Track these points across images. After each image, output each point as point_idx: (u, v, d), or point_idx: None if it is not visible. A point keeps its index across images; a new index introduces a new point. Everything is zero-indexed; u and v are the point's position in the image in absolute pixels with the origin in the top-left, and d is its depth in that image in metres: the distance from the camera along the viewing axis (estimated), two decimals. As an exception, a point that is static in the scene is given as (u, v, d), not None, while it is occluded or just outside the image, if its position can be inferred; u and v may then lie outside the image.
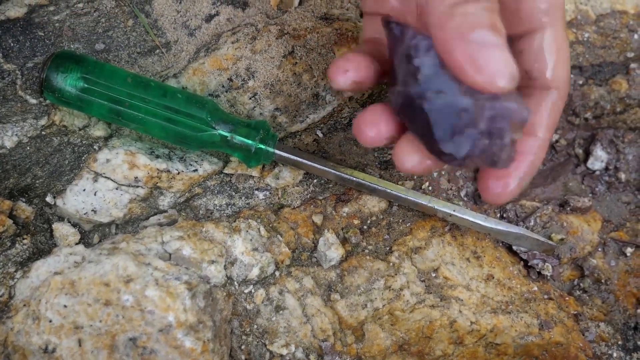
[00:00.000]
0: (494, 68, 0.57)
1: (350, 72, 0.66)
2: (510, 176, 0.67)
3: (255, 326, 0.75)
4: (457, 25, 0.58)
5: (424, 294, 0.78)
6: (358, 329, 0.76)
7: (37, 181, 0.78)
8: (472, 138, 0.60)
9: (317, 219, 0.80)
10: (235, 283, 0.75)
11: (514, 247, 0.83)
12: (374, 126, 0.66)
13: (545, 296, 0.82)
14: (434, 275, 0.79)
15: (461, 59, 0.58)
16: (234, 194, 0.80)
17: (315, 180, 0.82)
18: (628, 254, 0.86)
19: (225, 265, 0.74)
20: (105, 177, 0.77)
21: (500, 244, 0.83)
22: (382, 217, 0.81)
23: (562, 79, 0.69)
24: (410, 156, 0.65)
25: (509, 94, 0.60)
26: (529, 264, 0.83)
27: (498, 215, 0.85)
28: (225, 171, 0.81)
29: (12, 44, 0.78)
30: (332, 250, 0.78)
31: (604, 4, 0.91)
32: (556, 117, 0.69)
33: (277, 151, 0.78)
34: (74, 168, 0.78)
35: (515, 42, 0.69)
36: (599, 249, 0.86)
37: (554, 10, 0.68)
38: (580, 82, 0.89)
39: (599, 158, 0.89)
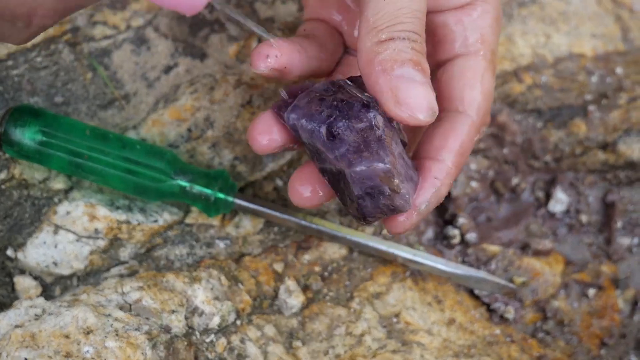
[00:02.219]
0: (415, 102, 0.61)
1: (270, 58, 0.69)
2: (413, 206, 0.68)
3: (218, 375, 0.77)
4: (382, 59, 0.62)
5: (386, 339, 0.81)
6: (320, 375, 0.79)
7: (-2, 235, 0.80)
8: (359, 202, 0.65)
9: (278, 267, 0.82)
10: (197, 332, 0.77)
11: (476, 291, 0.86)
12: (267, 134, 0.69)
13: (508, 339, 0.84)
14: (395, 320, 0.82)
15: (384, 92, 0.62)
16: (194, 243, 0.83)
17: (275, 229, 0.84)
18: (590, 296, 0.89)
19: (186, 315, 0.77)
20: (66, 229, 0.80)
21: (462, 288, 0.86)
22: (342, 263, 0.84)
23: (478, 107, 0.71)
24: (304, 187, 0.70)
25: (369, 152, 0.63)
26: (490, 308, 0.86)
27: (459, 259, 0.88)
28: (186, 221, 0.83)
29: (-29, 99, 0.81)
30: (292, 297, 0.80)
31: (562, 47, 0.94)
32: (466, 144, 0.71)
33: (236, 200, 0.80)
34: (35, 221, 0.80)
35: (439, 67, 0.73)
36: (562, 291, 0.88)
37: (481, 41, 0.72)
38: (539, 125, 0.92)
39: (560, 200, 0.92)
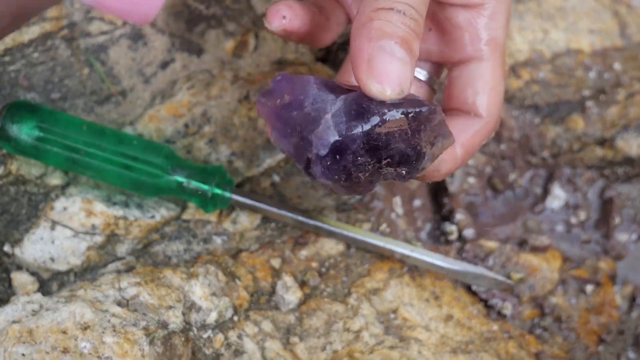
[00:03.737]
0: (386, 75, 0.61)
1: (285, 19, 0.71)
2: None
3: (215, 371, 0.78)
4: (372, 26, 0.62)
5: (383, 335, 0.82)
6: (318, 371, 0.80)
7: (-6, 231, 0.81)
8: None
9: (275, 263, 0.83)
10: (194, 328, 0.78)
11: (473, 287, 0.87)
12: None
13: (506, 335, 0.85)
14: (392, 316, 0.83)
15: (360, 58, 0.62)
16: (192, 239, 0.83)
17: (272, 224, 0.85)
18: (588, 292, 0.90)
19: (183, 311, 0.78)
20: (63, 225, 0.81)
21: (459, 284, 0.87)
22: (340, 259, 0.85)
23: (490, 111, 0.73)
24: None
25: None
26: (488, 304, 0.87)
27: (456, 256, 0.89)
28: (183, 217, 0.84)
29: (-33, 95, 0.82)
30: (290, 293, 0.81)
31: (560, 43, 0.95)
32: (476, 142, 0.72)
33: (233, 196, 0.81)
34: (31, 217, 0.81)
35: (452, 68, 0.74)
36: (559, 287, 0.89)
37: (494, 44, 0.73)
38: (537, 121, 0.93)
39: (558, 197, 0.93)
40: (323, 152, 0.62)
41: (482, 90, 0.73)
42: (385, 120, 0.61)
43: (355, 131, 0.61)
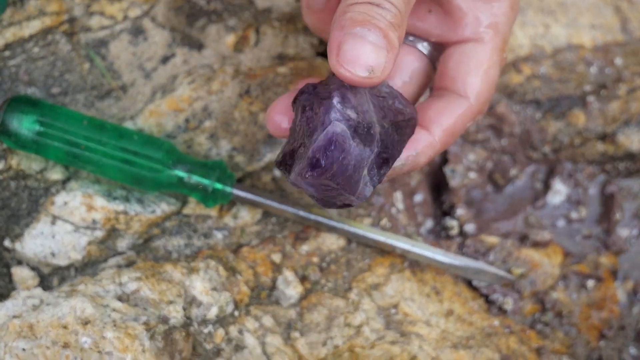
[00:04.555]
0: (355, 57, 0.61)
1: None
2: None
3: (216, 366, 0.78)
4: (345, 17, 0.62)
5: (384, 330, 0.82)
6: (318, 366, 0.80)
7: (-5, 225, 0.81)
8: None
9: (276, 258, 0.83)
10: (195, 323, 0.78)
11: (474, 282, 0.87)
12: (286, 116, 0.71)
13: (507, 330, 0.86)
14: (393, 311, 0.83)
15: (332, 47, 0.61)
16: (192, 234, 0.84)
17: (273, 219, 0.85)
18: (589, 287, 0.90)
19: (184, 306, 0.78)
20: (63, 220, 0.81)
21: (460, 279, 0.87)
22: (340, 254, 0.85)
23: (479, 94, 0.72)
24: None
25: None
26: (489, 299, 0.87)
27: (457, 251, 0.89)
28: (184, 212, 0.84)
29: (-32, 89, 0.82)
30: (291, 288, 0.82)
31: (560, 38, 0.95)
32: (458, 125, 0.72)
33: (234, 191, 0.82)
34: (32, 212, 0.81)
35: (450, 47, 0.74)
36: (560, 283, 0.89)
37: (494, 28, 0.72)
38: (538, 116, 0.93)
39: (559, 192, 0.93)
40: (358, 201, 0.65)
41: (474, 70, 0.72)
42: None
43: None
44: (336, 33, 0.62)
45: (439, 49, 0.76)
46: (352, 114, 0.62)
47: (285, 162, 0.65)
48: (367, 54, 0.61)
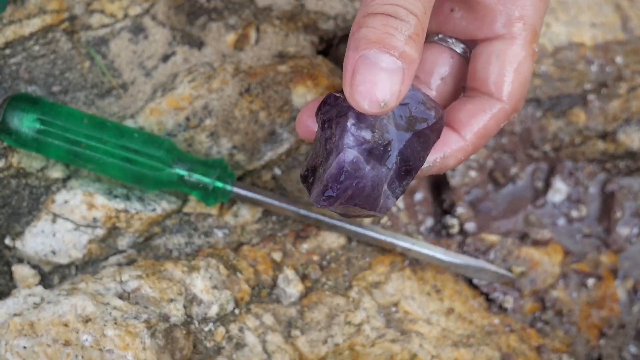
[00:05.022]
0: (366, 89, 0.58)
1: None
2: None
3: (216, 364, 0.78)
4: (360, 34, 0.59)
5: (384, 329, 0.82)
6: (319, 365, 0.80)
7: (-5, 224, 0.81)
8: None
9: (277, 256, 0.83)
10: (195, 321, 0.78)
11: (474, 281, 0.87)
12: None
13: (507, 329, 0.86)
14: (394, 309, 0.83)
15: (346, 72, 0.59)
16: (193, 232, 0.84)
17: (274, 218, 0.85)
18: (589, 286, 0.90)
19: (184, 304, 0.78)
20: (64, 218, 0.81)
21: (461, 278, 0.87)
22: (341, 252, 0.85)
23: (512, 94, 0.69)
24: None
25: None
26: (489, 297, 0.87)
27: (458, 249, 0.89)
28: (185, 210, 0.84)
29: (-32, 88, 0.82)
30: (291, 286, 0.82)
31: (561, 37, 0.95)
32: (491, 129, 0.70)
33: (235, 189, 0.82)
34: (33, 210, 0.81)
35: (478, 45, 0.71)
36: (561, 281, 0.90)
37: (522, 22, 0.69)
38: (538, 114, 0.93)
39: (559, 190, 0.93)
40: (381, 214, 0.65)
41: (505, 69, 0.69)
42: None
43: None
44: (350, 54, 0.59)
45: (470, 46, 0.73)
46: (367, 135, 0.62)
47: (308, 178, 0.66)
48: (380, 86, 0.58)
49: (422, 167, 0.67)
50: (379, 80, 0.59)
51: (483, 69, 0.70)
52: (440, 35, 0.73)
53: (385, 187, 0.64)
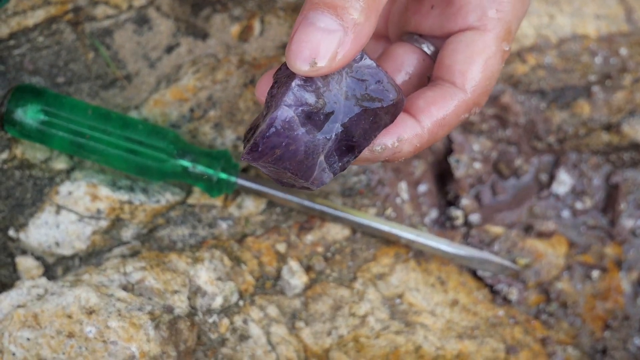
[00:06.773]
0: (299, 48, 0.57)
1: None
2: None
3: (220, 356, 0.78)
4: (306, 1, 0.58)
5: (389, 320, 0.81)
6: (323, 356, 0.79)
7: (-1, 215, 0.81)
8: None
9: (281, 248, 0.83)
10: (199, 313, 0.78)
11: (479, 272, 0.86)
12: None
13: (512, 320, 0.85)
14: (398, 301, 0.83)
15: (292, 35, 0.58)
16: (197, 223, 0.83)
17: (278, 209, 0.85)
18: (594, 278, 0.89)
19: (188, 295, 0.78)
20: (68, 209, 0.81)
21: (465, 270, 0.86)
22: (345, 244, 0.84)
23: (476, 86, 0.67)
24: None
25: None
26: (494, 289, 0.86)
27: (462, 241, 0.88)
28: (189, 201, 0.84)
29: (-28, 79, 0.81)
30: (295, 278, 0.81)
31: (565, 28, 0.95)
32: (450, 118, 0.67)
33: (239, 180, 0.81)
34: (36, 201, 0.81)
35: (451, 36, 0.70)
36: (565, 273, 0.89)
37: (497, 17, 0.68)
38: (543, 106, 0.92)
39: (563, 182, 0.93)
40: (315, 187, 0.63)
41: (472, 59, 0.67)
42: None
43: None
44: (299, 18, 0.58)
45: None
46: (310, 98, 0.60)
47: (247, 135, 0.64)
48: (312, 45, 0.57)
49: (373, 149, 0.65)
50: (312, 39, 0.57)
51: (450, 56, 0.68)
52: (415, 37, 0.72)
53: (322, 158, 0.62)
